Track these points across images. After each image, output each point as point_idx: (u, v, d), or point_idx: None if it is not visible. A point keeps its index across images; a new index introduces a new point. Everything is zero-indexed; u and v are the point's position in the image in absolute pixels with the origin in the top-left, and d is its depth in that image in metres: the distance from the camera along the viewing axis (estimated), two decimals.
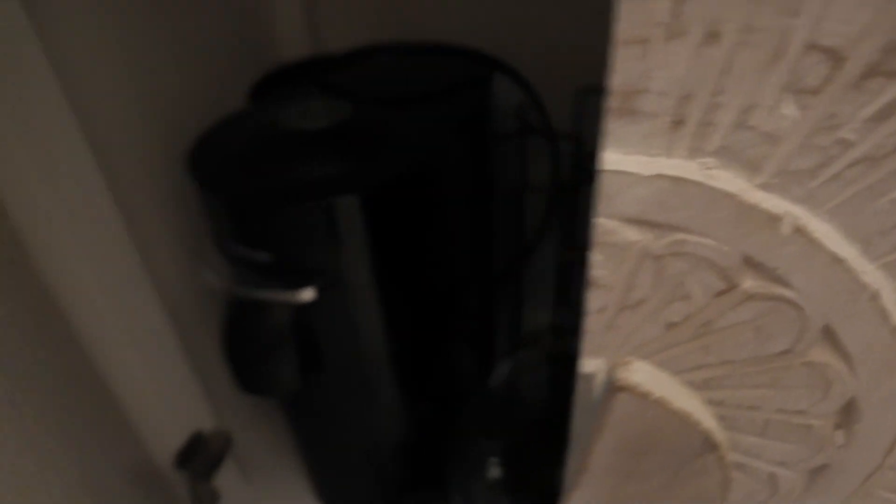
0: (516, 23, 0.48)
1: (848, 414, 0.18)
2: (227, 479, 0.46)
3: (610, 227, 0.16)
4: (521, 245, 0.43)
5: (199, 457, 0.41)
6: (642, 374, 0.16)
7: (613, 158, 0.15)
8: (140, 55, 0.36)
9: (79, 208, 0.31)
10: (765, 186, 0.15)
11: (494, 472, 0.40)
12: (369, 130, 0.34)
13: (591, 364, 0.19)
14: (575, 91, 0.45)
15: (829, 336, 0.16)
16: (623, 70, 0.13)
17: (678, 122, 0.14)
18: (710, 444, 0.17)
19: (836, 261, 0.14)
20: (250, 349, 0.32)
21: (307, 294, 0.30)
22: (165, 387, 0.38)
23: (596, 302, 0.17)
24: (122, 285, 0.35)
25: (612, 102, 0.14)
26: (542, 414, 0.52)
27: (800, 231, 0.14)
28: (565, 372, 0.60)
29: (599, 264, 0.16)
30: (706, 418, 0.17)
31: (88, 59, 0.32)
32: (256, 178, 0.31)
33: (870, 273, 0.15)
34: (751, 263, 0.16)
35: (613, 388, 0.16)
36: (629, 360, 0.17)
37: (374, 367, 0.37)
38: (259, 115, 0.35)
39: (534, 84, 0.43)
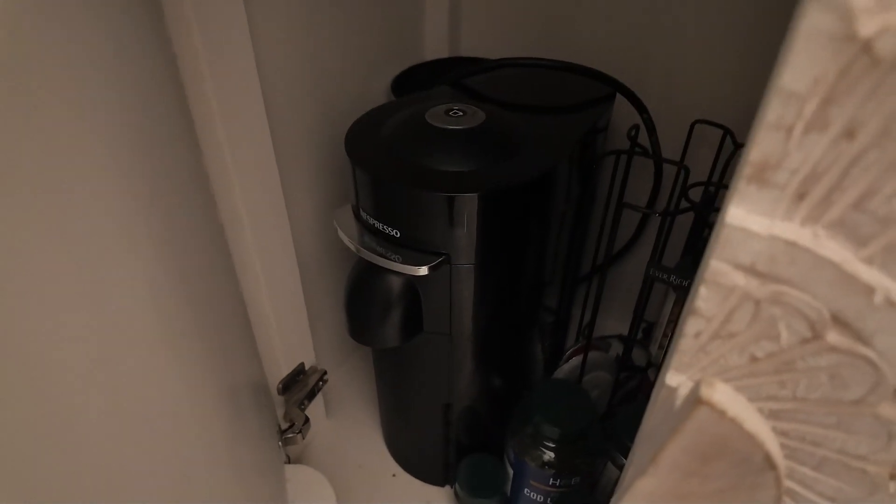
0: (642, 53, 0.50)
1: None
2: (315, 411, 0.54)
3: (721, 269, 0.19)
4: (607, 256, 0.45)
5: (298, 386, 0.48)
6: (723, 395, 0.20)
7: (738, 214, 0.18)
8: (313, 39, 0.42)
9: (248, 159, 0.37)
10: (867, 260, 0.17)
11: (547, 454, 0.44)
12: (501, 135, 0.38)
13: (676, 378, 0.22)
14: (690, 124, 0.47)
15: None
16: (763, 148, 0.16)
17: (801, 195, 0.17)
18: (769, 464, 0.19)
19: None
20: (366, 305, 0.38)
21: (422, 270, 0.35)
22: (286, 322, 0.45)
23: (693, 327, 0.21)
24: (271, 231, 0.41)
25: (747, 170, 0.17)
26: (600, 411, 0.55)
27: (891, 304, 0.17)
28: (628, 379, 0.62)
29: (704, 297, 0.20)
30: (770, 442, 0.20)
31: (276, 37, 0.38)
32: (399, 164, 0.36)
33: None
34: (838, 321, 0.18)
35: (697, 401, 0.19)
36: (714, 381, 0.20)
37: (462, 338, 0.42)
38: (408, 108, 0.40)
39: (651, 110, 0.46)
